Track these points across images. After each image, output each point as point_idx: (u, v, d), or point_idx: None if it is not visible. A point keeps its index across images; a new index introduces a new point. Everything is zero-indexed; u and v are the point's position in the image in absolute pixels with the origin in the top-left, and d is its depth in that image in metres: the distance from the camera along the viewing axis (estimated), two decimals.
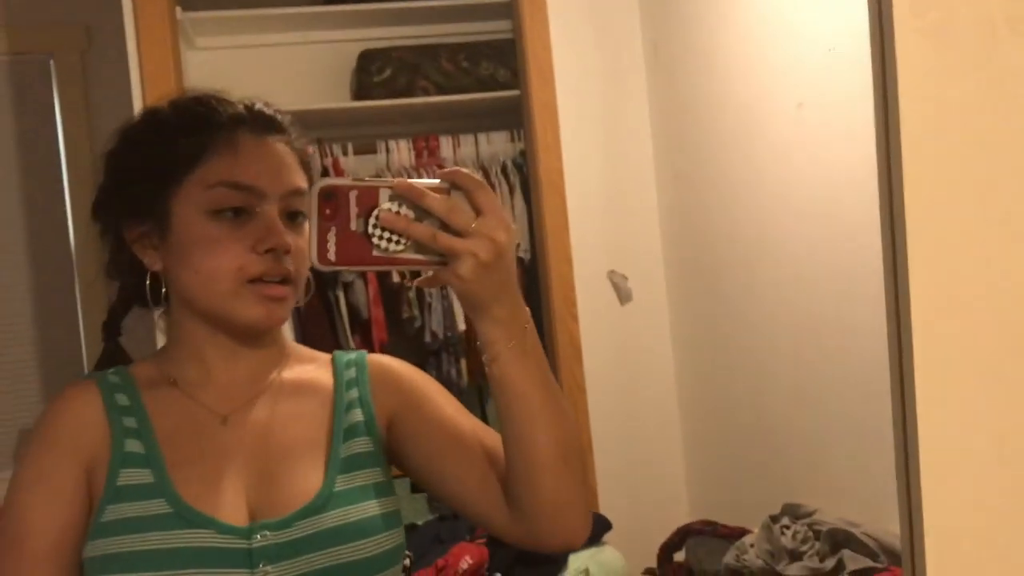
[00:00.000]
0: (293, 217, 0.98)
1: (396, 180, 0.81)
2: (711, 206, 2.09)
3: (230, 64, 3.05)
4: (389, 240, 0.81)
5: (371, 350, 2.78)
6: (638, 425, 2.40)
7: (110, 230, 1.03)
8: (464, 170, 0.83)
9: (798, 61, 1.55)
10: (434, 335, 2.85)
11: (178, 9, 2.50)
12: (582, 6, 2.41)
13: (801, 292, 1.66)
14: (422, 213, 0.81)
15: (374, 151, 2.99)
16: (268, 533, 0.92)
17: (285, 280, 0.97)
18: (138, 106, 2.22)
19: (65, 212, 3.10)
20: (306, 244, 0.97)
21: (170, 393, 0.99)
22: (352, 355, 1.08)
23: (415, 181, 0.82)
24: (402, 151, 2.97)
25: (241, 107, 1.00)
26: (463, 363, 2.91)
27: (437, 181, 0.82)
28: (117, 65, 2.23)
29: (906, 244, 0.66)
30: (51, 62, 3.09)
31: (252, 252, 0.94)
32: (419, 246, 0.81)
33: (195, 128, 0.97)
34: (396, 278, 2.81)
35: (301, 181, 1.00)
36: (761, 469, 1.95)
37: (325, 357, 1.09)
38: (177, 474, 0.94)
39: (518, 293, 0.87)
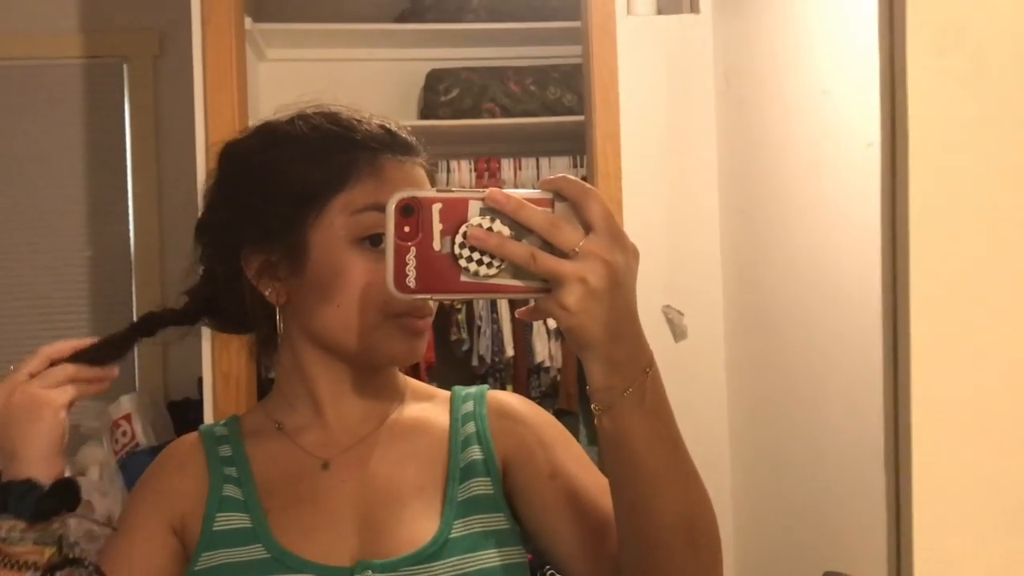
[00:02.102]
0: None
1: (490, 190, 0.68)
2: (774, 245, 2.01)
3: (299, 76, 3.08)
4: (480, 262, 0.67)
5: (417, 370, 2.78)
6: None
7: (222, 256, 0.93)
8: (572, 177, 0.70)
9: (870, 100, 1.48)
10: (481, 360, 2.82)
11: (248, 20, 2.53)
12: (653, 35, 2.37)
13: (863, 346, 1.57)
14: (520, 229, 0.67)
15: (436, 170, 2.98)
16: (372, 574, 0.84)
17: (426, 315, 0.90)
18: (200, 114, 2.23)
19: (127, 215, 3.15)
20: None
21: (274, 439, 0.93)
22: (472, 389, 0.99)
23: (513, 191, 0.68)
24: (463, 171, 2.96)
25: (378, 127, 0.92)
26: (509, 390, 2.86)
27: (538, 191, 0.69)
28: (187, 72, 2.25)
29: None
30: (124, 66, 3.15)
31: None
32: (516, 270, 0.67)
33: (337, 149, 0.89)
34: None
35: None
36: (806, 530, 1.86)
37: (444, 394, 1.00)
38: (276, 519, 0.88)
39: (639, 329, 0.72)
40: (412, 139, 0.95)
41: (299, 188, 0.88)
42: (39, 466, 0.80)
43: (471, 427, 0.94)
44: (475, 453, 0.92)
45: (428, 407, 0.97)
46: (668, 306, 2.37)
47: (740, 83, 2.20)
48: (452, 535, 0.86)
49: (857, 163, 1.55)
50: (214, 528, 0.88)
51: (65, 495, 0.80)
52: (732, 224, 2.29)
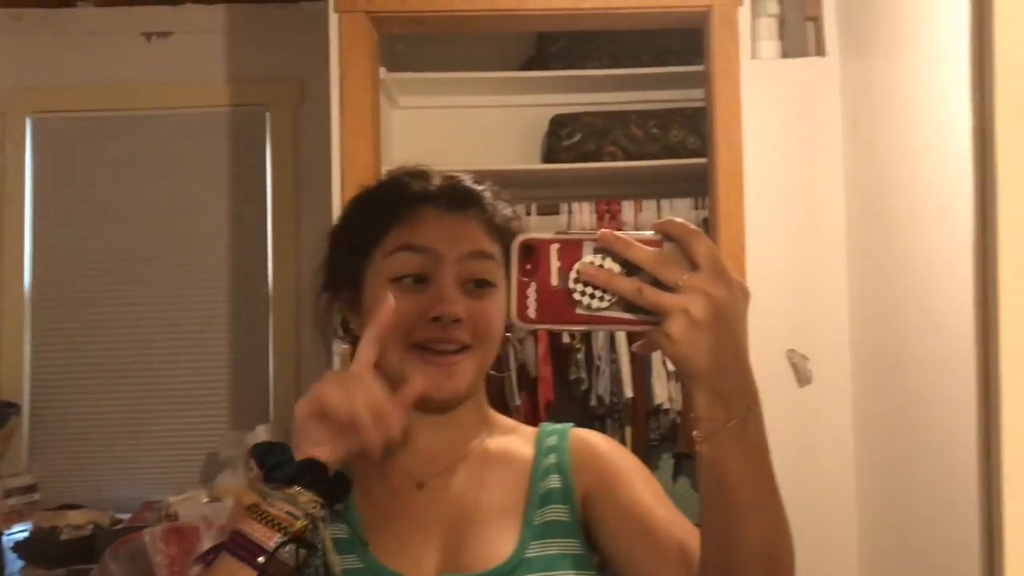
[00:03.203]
0: (480, 284, 0.98)
1: (602, 231, 0.74)
2: (904, 290, 1.97)
3: (429, 123, 3.20)
4: (592, 296, 0.74)
5: (536, 408, 2.80)
6: (809, 517, 2.26)
7: (329, 296, 1.07)
8: (678, 219, 0.75)
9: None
10: (600, 400, 2.82)
11: (383, 69, 2.65)
12: (778, 78, 2.36)
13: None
14: (630, 267, 0.73)
15: (557, 212, 3.03)
16: None
17: (461, 349, 0.96)
18: (336, 160, 2.34)
19: (266, 258, 3.31)
20: (491, 310, 0.98)
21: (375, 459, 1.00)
22: (557, 425, 1.07)
23: (624, 233, 0.74)
24: (584, 213, 3.00)
25: (436, 183, 1.03)
26: (628, 431, 2.86)
27: (650, 233, 0.74)
28: (325, 120, 2.37)
29: None
30: (267, 114, 3.33)
31: (422, 319, 0.95)
32: (627, 304, 0.73)
33: (385, 204, 1.01)
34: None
35: (485, 246, 0.99)
36: None
37: (531, 430, 1.08)
38: (371, 533, 0.96)
39: (747, 364, 0.75)
40: (475, 191, 1.03)
41: (356, 238, 1.02)
42: (296, 452, 0.86)
43: (552, 458, 1.01)
44: (554, 482, 0.99)
45: (513, 439, 1.05)
46: (792, 350, 2.33)
47: (868, 125, 2.17)
48: (527, 555, 0.93)
49: None
50: None
51: (309, 472, 0.84)
52: (860, 269, 2.25)
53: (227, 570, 0.82)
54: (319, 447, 0.85)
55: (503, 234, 1.02)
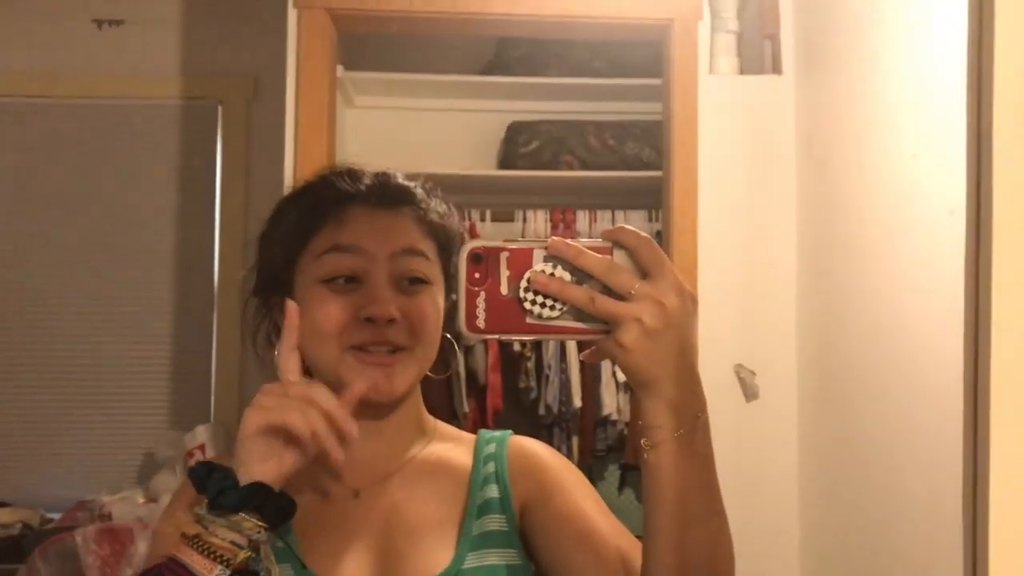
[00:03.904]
0: (410, 281, 0.95)
1: (552, 239, 0.73)
2: (852, 310, 1.99)
3: (385, 124, 3.17)
4: (543, 305, 0.73)
5: (484, 416, 2.79)
6: (752, 531, 2.28)
7: (260, 301, 1.04)
8: (629, 227, 0.74)
9: (953, 167, 1.46)
10: (548, 409, 2.81)
11: (340, 67, 2.61)
12: (735, 94, 2.38)
13: (941, 417, 1.54)
14: (580, 275, 0.72)
15: (512, 219, 3.02)
16: None
17: (397, 350, 0.94)
18: (289, 156, 2.30)
19: (213, 255, 3.24)
20: (426, 308, 0.95)
21: (309, 466, 0.96)
22: (496, 433, 1.04)
23: (574, 241, 0.73)
24: (539, 221, 3.00)
25: (366, 181, 1.00)
26: (575, 441, 2.85)
27: (600, 241, 0.74)
28: (279, 116, 2.33)
29: None
30: (219, 108, 3.27)
31: (355, 320, 0.93)
32: (578, 312, 0.72)
33: (311, 205, 0.98)
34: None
35: (417, 242, 0.97)
36: None
37: (470, 437, 1.05)
38: (305, 543, 0.92)
39: (696, 373, 0.75)
40: (408, 188, 1.01)
41: (285, 240, 0.99)
42: (238, 470, 0.83)
43: (491, 467, 0.99)
44: (492, 491, 0.98)
45: (452, 447, 1.03)
46: (740, 365, 2.34)
47: (822, 145, 2.19)
48: (464, 566, 0.92)
49: (939, 231, 1.53)
50: None
51: (256, 497, 0.82)
52: (810, 286, 2.27)
53: None
54: (266, 463, 0.82)
55: (437, 231, 1.00)
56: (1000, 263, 0.99)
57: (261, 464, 0.82)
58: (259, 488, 0.82)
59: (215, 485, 0.82)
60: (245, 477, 0.82)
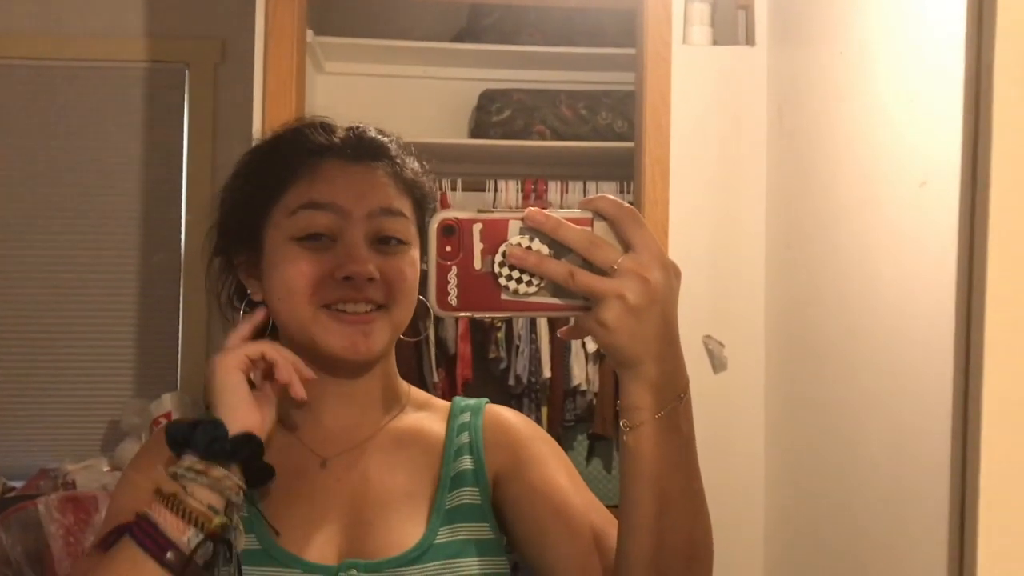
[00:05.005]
0: (387, 241, 0.93)
1: (529, 210, 0.69)
2: (821, 281, 2.00)
3: (355, 90, 3.13)
4: (519, 280, 0.69)
5: (454, 385, 2.78)
6: (718, 503, 2.29)
7: (222, 258, 1.01)
8: (610, 196, 0.70)
9: (926, 137, 1.46)
10: (518, 379, 2.82)
11: (310, 32, 2.57)
12: (708, 65, 2.37)
13: (904, 385, 1.55)
14: (559, 248, 0.68)
15: (483, 188, 3.01)
16: (356, 573, 0.86)
17: (375, 309, 0.92)
18: (257, 122, 2.27)
19: (180, 220, 3.20)
20: (403, 268, 0.93)
21: (277, 433, 0.93)
22: (471, 401, 1.02)
23: (553, 211, 0.69)
24: (510, 191, 2.98)
25: (339, 135, 0.97)
26: (544, 411, 2.86)
27: (578, 211, 0.69)
28: (247, 80, 2.29)
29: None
30: (186, 72, 3.21)
31: (331, 278, 0.90)
32: (556, 288, 0.68)
33: (282, 158, 0.95)
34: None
35: (394, 201, 0.94)
36: (842, 571, 1.83)
37: (444, 405, 1.02)
38: (271, 513, 0.89)
39: (679, 352, 0.72)
40: (381, 142, 0.98)
41: (254, 194, 0.95)
42: (227, 417, 0.83)
43: (465, 437, 0.97)
44: (466, 463, 0.95)
45: (426, 416, 1.00)
46: (709, 336, 2.35)
47: (792, 116, 2.19)
48: (436, 541, 0.89)
49: (908, 202, 1.53)
50: None
51: (247, 447, 0.81)
52: (779, 257, 2.27)
53: (130, 560, 0.76)
54: (252, 413, 0.82)
55: (413, 188, 0.98)
56: (991, 231, 0.98)
57: (248, 415, 0.81)
58: (250, 438, 0.81)
59: (204, 435, 0.79)
60: (235, 426, 0.81)
